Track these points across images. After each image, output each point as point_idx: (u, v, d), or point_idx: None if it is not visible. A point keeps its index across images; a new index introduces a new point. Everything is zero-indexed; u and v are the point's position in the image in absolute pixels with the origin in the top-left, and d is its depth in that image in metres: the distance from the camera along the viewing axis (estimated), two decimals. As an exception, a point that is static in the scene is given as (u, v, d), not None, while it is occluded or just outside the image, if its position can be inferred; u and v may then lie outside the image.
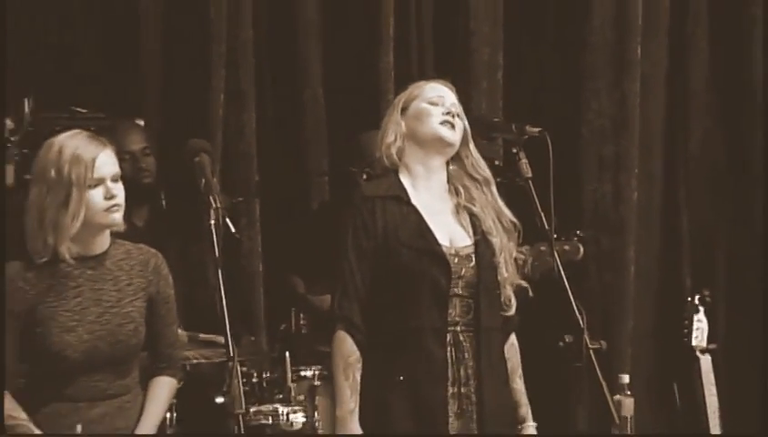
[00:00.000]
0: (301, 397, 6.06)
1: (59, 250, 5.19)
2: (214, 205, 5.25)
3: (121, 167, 5.41)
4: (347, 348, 5.12)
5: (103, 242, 5.31)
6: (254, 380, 6.04)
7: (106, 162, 5.21)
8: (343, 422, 5.06)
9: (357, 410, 5.03)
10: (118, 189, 5.20)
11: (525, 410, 5.23)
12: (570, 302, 4.99)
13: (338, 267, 5.21)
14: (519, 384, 5.25)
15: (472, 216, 5.21)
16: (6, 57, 6.72)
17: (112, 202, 5.17)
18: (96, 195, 5.14)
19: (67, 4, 7.01)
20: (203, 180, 5.31)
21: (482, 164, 5.22)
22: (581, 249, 5.84)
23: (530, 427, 5.24)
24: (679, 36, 7.54)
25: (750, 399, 6.76)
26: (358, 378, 5.07)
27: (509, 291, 5.19)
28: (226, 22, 6.98)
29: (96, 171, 5.17)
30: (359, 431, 5.03)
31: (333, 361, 5.14)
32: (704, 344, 6.38)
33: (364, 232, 5.14)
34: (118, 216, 5.20)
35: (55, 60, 6.79)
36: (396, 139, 5.22)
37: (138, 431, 5.34)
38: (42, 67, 6.68)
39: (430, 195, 5.23)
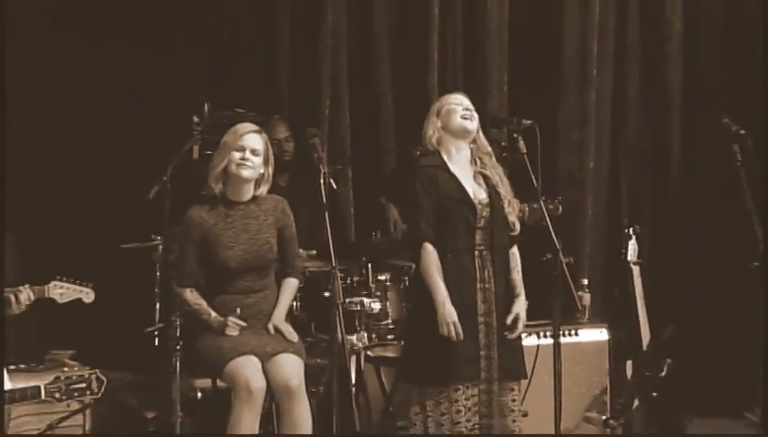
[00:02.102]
0: (378, 293, 6.01)
1: (212, 185, 5.33)
2: (323, 170, 5.33)
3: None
4: (434, 255, 5.11)
5: (247, 193, 5.38)
6: (348, 281, 5.99)
7: (251, 139, 5.33)
8: (442, 304, 5.02)
9: (448, 295, 5.02)
10: (253, 158, 5.29)
11: (519, 289, 5.23)
12: (552, 235, 5.01)
13: (414, 207, 5.22)
14: (516, 275, 5.25)
15: (485, 177, 5.24)
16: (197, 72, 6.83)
17: (243, 162, 5.26)
18: (236, 154, 5.28)
19: (231, 42, 7.00)
20: (316, 155, 5.41)
21: (486, 143, 5.31)
22: (561, 209, 5.80)
23: (521, 300, 5.22)
24: (620, 64, 7.45)
25: (659, 293, 6.66)
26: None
27: (513, 218, 5.22)
28: (329, 54, 6.93)
29: (241, 141, 5.30)
30: (453, 311, 4.99)
31: (426, 265, 5.11)
32: (635, 259, 6.29)
33: (429, 185, 5.16)
34: (245, 172, 5.29)
35: (222, 75, 6.79)
36: (434, 133, 5.28)
37: (275, 313, 5.39)
38: (213, 80, 6.69)
39: (460, 166, 5.24)
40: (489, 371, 5.10)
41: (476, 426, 5.09)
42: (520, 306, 5.16)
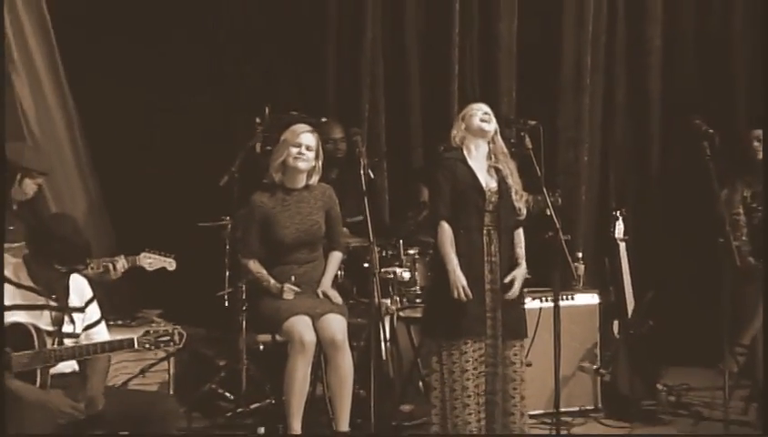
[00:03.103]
0: (408, 264, 5.98)
1: (272, 175, 5.35)
2: (363, 162, 5.34)
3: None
4: (449, 231, 5.10)
5: (301, 182, 5.39)
6: (383, 254, 5.93)
7: (306, 137, 5.34)
8: (452, 271, 5.04)
9: (458, 264, 5.04)
10: (307, 153, 5.30)
11: (521, 260, 5.21)
12: (554, 219, 5.03)
13: (435, 192, 5.23)
14: (519, 250, 5.23)
15: (497, 170, 5.21)
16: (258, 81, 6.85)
17: (299, 156, 5.28)
18: (293, 149, 5.29)
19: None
20: (357, 150, 5.43)
21: (503, 145, 5.25)
22: (560, 200, 5.81)
23: (521, 268, 5.21)
24: (609, 74, 7.43)
25: (641, 264, 6.59)
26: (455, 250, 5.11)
27: (520, 205, 5.21)
28: (368, 66, 6.95)
29: (298, 138, 5.31)
30: (462, 277, 5.02)
31: (441, 239, 5.12)
32: (621, 236, 6.27)
33: (449, 174, 5.14)
34: (301, 164, 5.31)
35: (280, 85, 6.78)
36: (458, 133, 5.24)
37: (323, 280, 5.41)
38: (272, 88, 6.68)
39: (477, 160, 5.21)
40: (494, 329, 5.12)
41: (482, 373, 5.13)
42: (519, 272, 5.16)
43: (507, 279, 5.12)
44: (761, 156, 6.16)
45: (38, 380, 4.25)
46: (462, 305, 5.04)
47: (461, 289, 5.01)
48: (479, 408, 5.12)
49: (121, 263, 5.30)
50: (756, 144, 6.16)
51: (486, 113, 5.23)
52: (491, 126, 5.20)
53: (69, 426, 4.25)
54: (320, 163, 5.40)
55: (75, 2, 6.50)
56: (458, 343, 5.12)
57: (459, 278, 5.03)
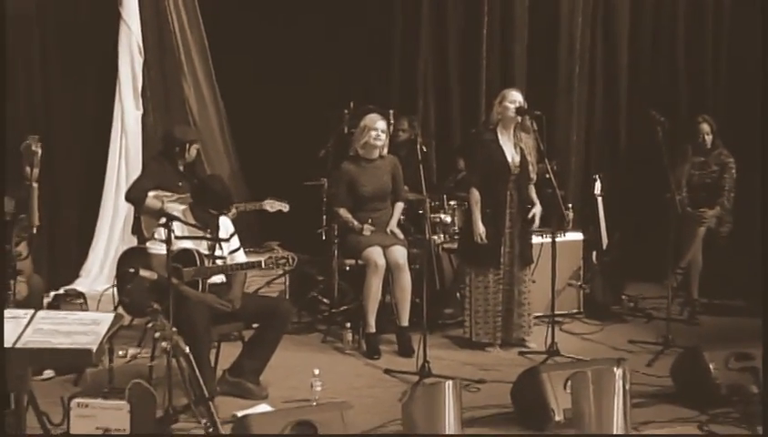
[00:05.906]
0: (450, 211, 5.96)
1: (356, 149, 5.27)
2: (418, 141, 5.26)
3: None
4: (477, 195, 5.13)
5: (376, 154, 5.33)
6: (432, 204, 5.87)
7: (381, 125, 5.29)
8: (475, 224, 5.09)
9: (480, 220, 5.05)
10: (381, 135, 5.24)
11: (536, 200, 5.22)
12: (552, 180, 4.97)
13: (471, 165, 5.26)
14: (534, 195, 5.24)
15: (521, 148, 5.17)
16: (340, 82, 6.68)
17: (376, 137, 5.20)
18: (372, 132, 5.21)
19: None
20: (414, 132, 5.44)
21: (530, 126, 5.12)
22: (556, 167, 5.66)
23: (537, 206, 5.22)
24: (591, 80, 7.22)
25: (612, 213, 6.38)
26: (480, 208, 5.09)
27: (533, 174, 5.20)
28: (423, 73, 6.85)
29: (375, 124, 5.24)
30: (482, 227, 5.05)
31: (471, 201, 5.16)
32: (599, 192, 6.19)
33: (486, 153, 5.11)
34: (377, 142, 5.23)
35: (361, 87, 6.65)
36: (496, 115, 5.17)
37: (391, 222, 5.35)
38: (356, 89, 6.53)
39: (506, 139, 5.16)
40: (512, 259, 5.20)
41: (498, 291, 5.20)
42: (537, 209, 5.21)
43: (530, 215, 5.15)
44: (704, 139, 6.12)
45: (200, 286, 4.39)
46: (485, 245, 5.11)
47: (478, 236, 5.09)
48: (495, 315, 5.22)
49: (251, 206, 5.39)
50: (703, 132, 6.11)
51: (517, 107, 5.12)
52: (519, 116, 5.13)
53: (220, 315, 4.37)
54: (387, 140, 5.37)
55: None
56: (481, 270, 5.19)
57: (478, 228, 5.09)
